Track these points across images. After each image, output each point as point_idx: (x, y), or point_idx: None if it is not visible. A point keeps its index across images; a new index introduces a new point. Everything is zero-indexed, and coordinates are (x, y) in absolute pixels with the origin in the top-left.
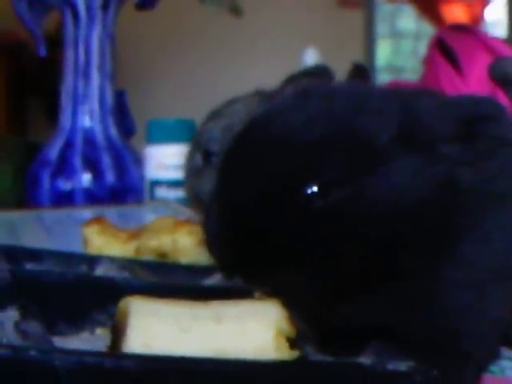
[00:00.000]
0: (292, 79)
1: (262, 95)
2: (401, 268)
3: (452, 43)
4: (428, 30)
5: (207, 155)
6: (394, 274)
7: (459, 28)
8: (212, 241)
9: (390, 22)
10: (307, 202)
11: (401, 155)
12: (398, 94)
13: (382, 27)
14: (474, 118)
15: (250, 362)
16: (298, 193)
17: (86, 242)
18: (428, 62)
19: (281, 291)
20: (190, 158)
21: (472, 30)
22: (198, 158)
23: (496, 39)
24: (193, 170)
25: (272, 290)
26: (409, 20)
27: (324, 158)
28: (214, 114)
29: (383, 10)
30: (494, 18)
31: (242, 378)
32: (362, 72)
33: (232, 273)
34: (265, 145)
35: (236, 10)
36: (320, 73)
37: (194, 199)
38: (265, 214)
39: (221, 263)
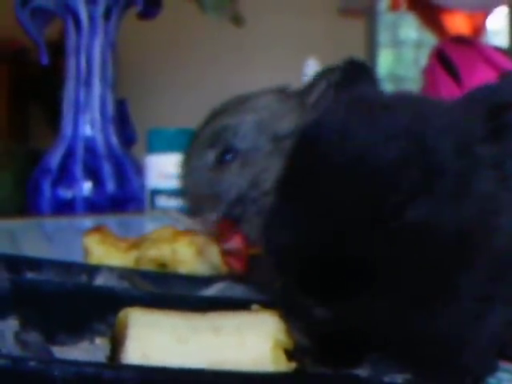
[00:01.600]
0: (324, 74)
1: (284, 92)
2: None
3: (452, 55)
4: (430, 39)
5: (229, 152)
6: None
7: (459, 40)
8: (295, 267)
9: (392, 31)
10: (390, 222)
11: (462, 168)
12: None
13: (383, 36)
14: (499, 107)
15: (247, 374)
16: (381, 213)
17: (86, 251)
18: (428, 73)
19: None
20: (198, 155)
21: (472, 42)
22: (211, 156)
23: (496, 51)
24: (204, 168)
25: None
26: (410, 29)
27: (402, 178)
28: (229, 110)
29: (385, 19)
30: (495, 28)
31: None
32: (362, 70)
33: (309, 295)
34: (344, 166)
35: (237, 20)
36: (354, 67)
37: (205, 198)
38: (352, 238)
39: (303, 289)
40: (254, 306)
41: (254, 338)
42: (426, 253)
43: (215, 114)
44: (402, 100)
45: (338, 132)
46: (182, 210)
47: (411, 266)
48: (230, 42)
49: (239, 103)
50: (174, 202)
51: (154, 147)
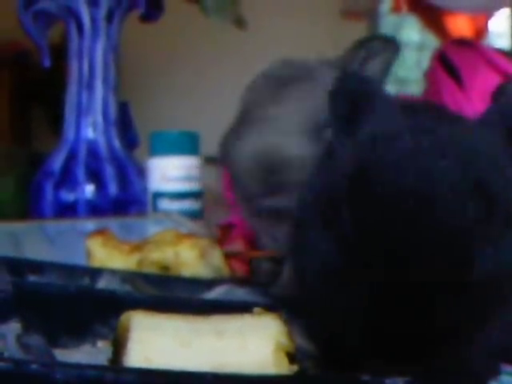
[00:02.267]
0: (361, 45)
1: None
2: None
3: (454, 58)
4: (432, 41)
5: None
6: None
7: (462, 42)
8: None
9: (394, 34)
10: (461, 280)
11: (509, 205)
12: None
13: None
14: None
15: (249, 377)
16: (453, 273)
17: (88, 253)
18: (430, 76)
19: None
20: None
21: (475, 44)
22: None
23: (499, 53)
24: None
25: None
26: (412, 31)
27: (474, 236)
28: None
29: (387, 21)
30: (497, 30)
31: None
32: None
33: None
34: (414, 225)
35: (239, 23)
36: (388, 42)
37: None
38: (427, 304)
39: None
40: (256, 309)
41: (256, 341)
42: (490, 301)
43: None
44: (450, 139)
45: (404, 183)
46: (184, 213)
47: (476, 317)
48: (232, 44)
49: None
50: (176, 205)
51: (157, 150)
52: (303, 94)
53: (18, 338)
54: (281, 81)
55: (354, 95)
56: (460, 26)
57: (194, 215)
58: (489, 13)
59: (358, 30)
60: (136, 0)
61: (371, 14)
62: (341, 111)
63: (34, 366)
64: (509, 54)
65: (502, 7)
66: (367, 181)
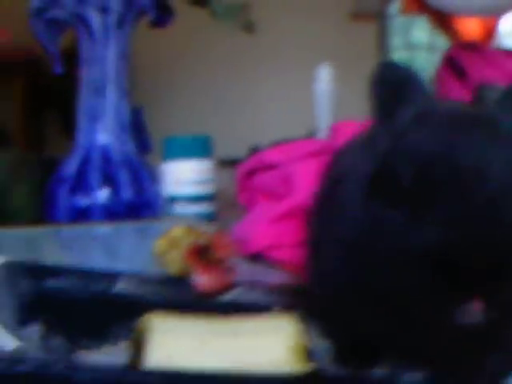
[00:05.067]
0: None
1: None
2: None
3: (462, 61)
4: (441, 42)
5: None
6: None
7: (470, 45)
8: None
9: (404, 35)
10: None
11: None
12: None
13: (395, 40)
14: None
15: (266, 376)
16: None
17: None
18: (438, 79)
19: None
20: None
21: (482, 46)
22: None
23: (506, 55)
24: None
25: None
26: (422, 32)
27: None
28: None
29: (396, 22)
30: (507, 30)
31: None
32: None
33: None
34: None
35: (248, 27)
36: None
37: None
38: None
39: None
40: (275, 309)
41: (271, 341)
42: None
43: None
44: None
45: (478, 172)
46: (198, 216)
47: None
48: (242, 48)
49: None
50: (190, 208)
51: (170, 154)
52: None
53: (41, 340)
54: None
55: (392, 83)
56: (469, 26)
57: (208, 218)
58: (498, 14)
59: (367, 32)
60: (146, 6)
61: (381, 16)
62: (380, 98)
63: (56, 368)
64: None
65: (510, 9)
66: (392, 170)
